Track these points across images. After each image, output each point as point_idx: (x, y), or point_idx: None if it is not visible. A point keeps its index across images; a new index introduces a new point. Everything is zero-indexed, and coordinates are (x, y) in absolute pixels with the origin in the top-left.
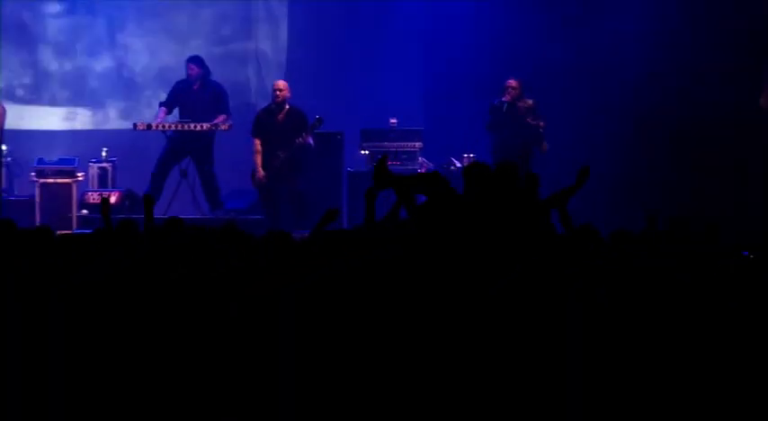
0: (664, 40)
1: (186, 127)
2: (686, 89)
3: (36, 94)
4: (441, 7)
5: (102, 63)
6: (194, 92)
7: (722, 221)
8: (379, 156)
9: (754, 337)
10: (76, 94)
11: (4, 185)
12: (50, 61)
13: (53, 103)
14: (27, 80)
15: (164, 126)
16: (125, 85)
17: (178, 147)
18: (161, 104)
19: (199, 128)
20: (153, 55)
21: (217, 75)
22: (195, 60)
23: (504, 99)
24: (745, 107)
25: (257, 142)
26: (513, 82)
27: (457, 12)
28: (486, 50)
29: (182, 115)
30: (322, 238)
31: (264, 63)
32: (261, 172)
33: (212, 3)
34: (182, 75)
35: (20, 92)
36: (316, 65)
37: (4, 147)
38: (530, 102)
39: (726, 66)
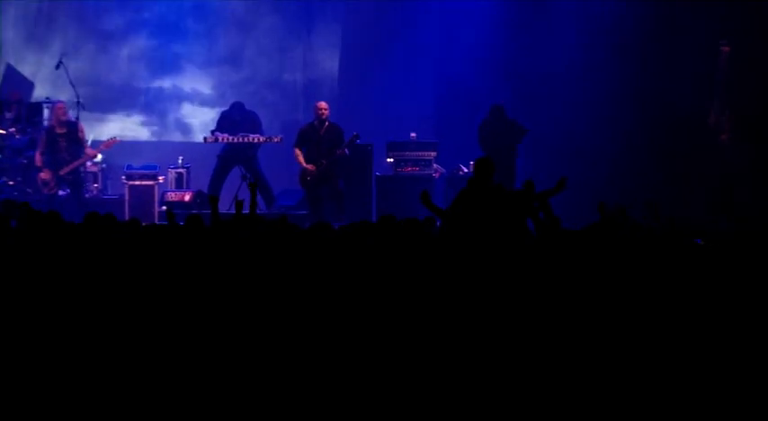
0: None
1: (244, 139)
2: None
3: (127, 110)
4: (448, 39)
5: (184, 85)
6: (236, 121)
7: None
8: (402, 163)
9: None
10: (159, 111)
11: (100, 186)
12: (140, 80)
13: (140, 118)
14: (118, 97)
15: (225, 139)
16: (198, 105)
17: (228, 157)
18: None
19: (256, 140)
20: (216, 81)
21: (267, 97)
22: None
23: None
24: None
25: (297, 150)
26: None
27: (461, 43)
28: (485, 74)
29: (230, 131)
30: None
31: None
32: (311, 169)
33: (250, 34)
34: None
35: (112, 106)
36: (350, 87)
37: (100, 157)
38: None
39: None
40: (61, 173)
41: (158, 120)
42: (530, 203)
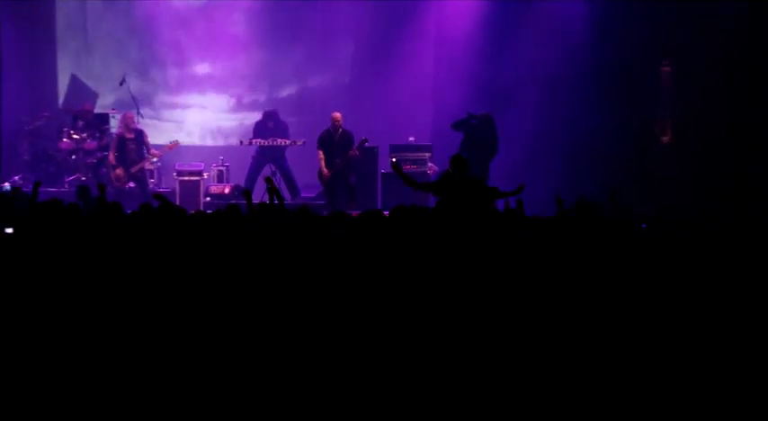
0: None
1: (273, 142)
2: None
3: (175, 120)
4: (439, 59)
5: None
6: (268, 127)
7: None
8: (414, 168)
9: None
10: (200, 119)
11: (156, 181)
12: (186, 97)
13: (187, 126)
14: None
15: (258, 142)
16: (231, 113)
17: (261, 158)
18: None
19: (282, 143)
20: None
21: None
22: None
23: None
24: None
25: (321, 152)
26: None
27: (449, 62)
28: (470, 86)
29: (262, 136)
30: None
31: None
32: (326, 171)
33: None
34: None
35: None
36: (359, 98)
37: (155, 158)
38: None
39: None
40: (132, 170)
41: (200, 127)
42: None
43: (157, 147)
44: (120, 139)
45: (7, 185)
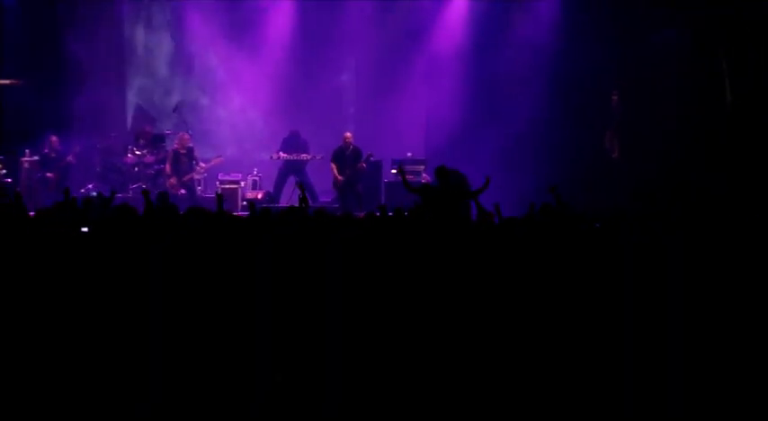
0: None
1: (297, 157)
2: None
3: (217, 137)
4: (431, 85)
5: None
6: (292, 144)
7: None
8: (411, 178)
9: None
10: (244, 135)
11: (202, 188)
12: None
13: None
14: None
15: (284, 157)
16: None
17: (286, 169)
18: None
19: (304, 157)
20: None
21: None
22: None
23: None
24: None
25: (334, 165)
26: None
27: (442, 85)
28: (461, 108)
29: (288, 152)
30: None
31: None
32: (339, 179)
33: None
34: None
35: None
36: (365, 119)
37: (203, 170)
38: None
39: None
40: (184, 179)
41: (236, 144)
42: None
43: (205, 160)
44: (176, 154)
45: (93, 192)
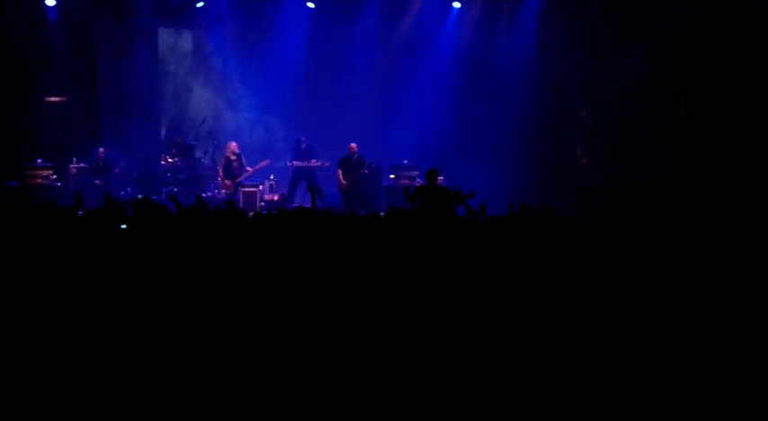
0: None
1: (308, 164)
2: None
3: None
4: (428, 88)
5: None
6: (302, 151)
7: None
8: (405, 186)
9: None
10: (263, 146)
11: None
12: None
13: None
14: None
15: (297, 164)
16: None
17: (298, 173)
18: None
19: (314, 163)
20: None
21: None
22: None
23: None
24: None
25: (340, 171)
26: None
27: (433, 102)
28: (452, 119)
29: (299, 159)
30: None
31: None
32: (344, 183)
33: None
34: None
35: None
36: (367, 131)
37: (249, 169)
38: None
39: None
40: (236, 181)
41: (255, 153)
42: (460, 200)
43: (251, 165)
44: (227, 160)
45: (138, 195)
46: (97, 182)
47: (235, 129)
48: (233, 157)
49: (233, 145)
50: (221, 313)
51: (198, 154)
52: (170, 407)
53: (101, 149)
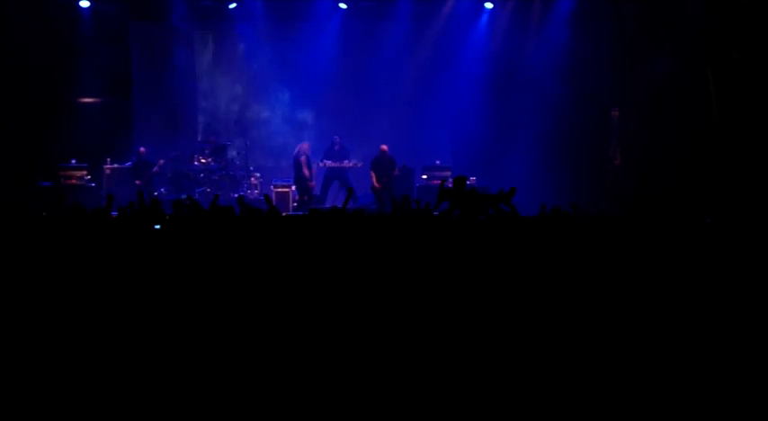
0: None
1: (340, 164)
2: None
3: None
4: (460, 88)
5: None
6: (336, 152)
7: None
8: (438, 182)
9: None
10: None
11: (258, 191)
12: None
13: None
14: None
15: (329, 164)
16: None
17: (331, 175)
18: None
19: (347, 163)
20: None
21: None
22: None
23: None
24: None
25: (373, 173)
26: None
27: (466, 103)
28: (485, 119)
29: (332, 159)
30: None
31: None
32: (377, 185)
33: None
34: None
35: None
36: (399, 133)
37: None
38: None
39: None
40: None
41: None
42: (494, 201)
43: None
44: (307, 160)
45: (183, 195)
46: (137, 182)
47: (267, 130)
48: (303, 160)
49: (307, 146)
50: (221, 314)
51: (230, 154)
52: (170, 407)
53: (141, 148)
